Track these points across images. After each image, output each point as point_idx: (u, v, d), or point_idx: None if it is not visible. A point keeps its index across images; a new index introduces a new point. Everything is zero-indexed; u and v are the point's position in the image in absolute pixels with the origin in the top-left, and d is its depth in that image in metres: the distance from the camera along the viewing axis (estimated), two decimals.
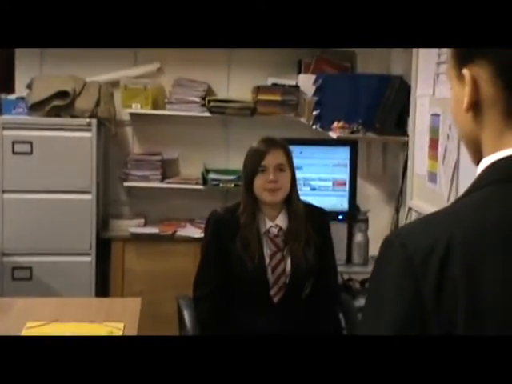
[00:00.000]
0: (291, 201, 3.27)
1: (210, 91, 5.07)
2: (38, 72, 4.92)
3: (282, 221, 3.27)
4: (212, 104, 4.92)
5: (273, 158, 3.23)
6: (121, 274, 4.80)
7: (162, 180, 4.98)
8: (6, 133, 4.53)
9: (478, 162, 1.31)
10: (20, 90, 4.83)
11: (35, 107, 4.58)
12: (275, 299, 3.23)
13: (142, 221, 5.02)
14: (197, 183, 4.98)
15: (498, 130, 1.26)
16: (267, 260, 3.24)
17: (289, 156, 3.29)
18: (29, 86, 4.68)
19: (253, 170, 3.25)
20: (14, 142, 4.52)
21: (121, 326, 3.07)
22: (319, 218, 3.35)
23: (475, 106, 1.26)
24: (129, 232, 4.84)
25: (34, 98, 4.58)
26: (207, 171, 4.99)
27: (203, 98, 4.96)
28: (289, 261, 3.23)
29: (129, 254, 4.81)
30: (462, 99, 1.27)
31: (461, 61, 1.29)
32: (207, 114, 4.94)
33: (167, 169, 5.07)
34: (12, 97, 4.77)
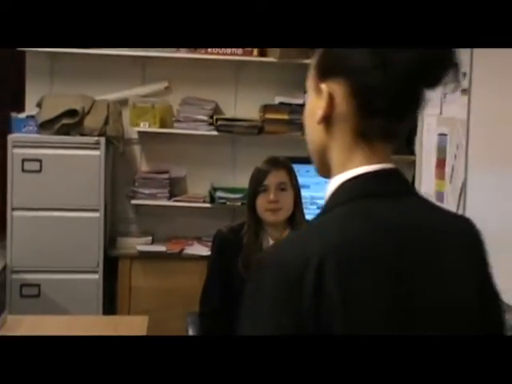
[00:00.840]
0: (295, 220, 3.26)
1: (217, 110, 5.10)
2: (47, 90, 4.96)
3: None
4: (219, 123, 4.95)
5: (274, 178, 3.24)
6: (128, 292, 4.81)
7: (170, 198, 5.01)
8: (16, 151, 4.57)
9: (324, 174, 1.41)
10: (30, 108, 4.87)
11: (45, 125, 4.62)
12: None
13: (150, 239, 5.04)
14: (204, 201, 5.00)
15: (347, 147, 1.33)
16: None
17: (292, 175, 3.30)
18: (39, 105, 4.72)
19: (255, 190, 3.27)
20: (23, 160, 4.56)
21: None
22: None
23: (327, 120, 1.32)
24: (136, 250, 4.86)
25: (44, 117, 4.61)
26: (214, 189, 5.01)
27: (211, 117, 4.99)
28: None
29: (136, 272, 4.83)
30: (315, 111, 1.33)
31: (321, 74, 1.35)
32: (215, 133, 4.97)
33: (175, 187, 5.09)
34: (22, 115, 4.80)
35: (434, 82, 1.31)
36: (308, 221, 3.36)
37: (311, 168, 4.34)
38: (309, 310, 1.20)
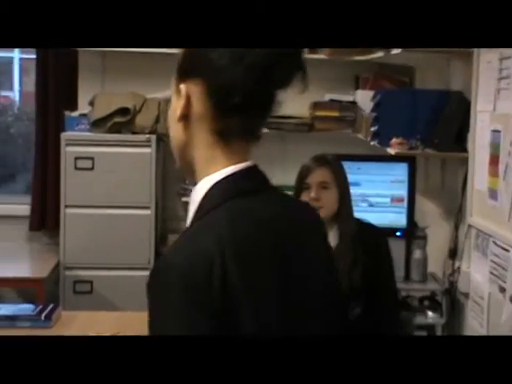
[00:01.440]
0: (340, 219, 3.25)
1: None
2: (99, 89, 5.00)
3: (331, 240, 3.25)
4: (269, 120, 4.93)
5: (316, 176, 3.25)
6: None
7: None
8: (69, 149, 4.63)
9: (187, 173, 1.48)
10: (82, 107, 4.92)
11: (97, 124, 4.67)
12: None
13: None
14: None
15: (207, 146, 1.41)
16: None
17: (336, 174, 3.28)
18: (91, 103, 4.77)
19: (298, 188, 3.30)
20: (76, 158, 4.61)
21: None
22: (374, 237, 3.31)
23: (186, 119, 1.40)
24: None
25: (96, 115, 4.66)
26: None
27: None
28: None
29: None
30: (176, 110, 1.41)
31: (181, 75, 1.42)
32: (264, 130, 4.94)
33: None
34: (75, 114, 4.86)
35: (284, 83, 1.43)
36: (356, 218, 3.35)
37: (362, 165, 4.35)
38: (219, 304, 1.28)
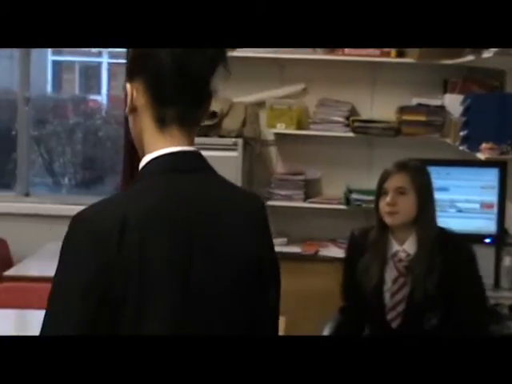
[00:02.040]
0: (418, 226, 3.19)
1: (353, 111, 5.07)
2: None
3: (410, 246, 3.21)
4: (356, 124, 4.92)
5: (394, 181, 3.20)
6: None
7: (305, 199, 5.02)
8: None
9: (142, 157, 1.66)
10: None
11: None
12: (393, 324, 3.20)
13: (285, 240, 5.06)
14: (339, 203, 4.98)
15: (151, 133, 1.64)
16: (388, 284, 3.21)
17: (415, 180, 3.21)
18: None
19: (377, 192, 3.26)
20: None
21: None
22: (455, 246, 3.22)
23: (135, 111, 1.65)
24: None
25: None
26: (350, 191, 4.98)
27: (347, 118, 4.97)
28: (409, 288, 3.18)
29: None
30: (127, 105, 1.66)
31: (128, 76, 1.67)
32: (351, 134, 4.95)
33: (310, 188, 5.10)
34: None
35: (207, 75, 1.64)
36: (439, 226, 3.27)
37: (451, 170, 4.27)
38: (113, 263, 1.49)
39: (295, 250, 4.90)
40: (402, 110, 4.92)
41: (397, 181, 3.20)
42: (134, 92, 1.64)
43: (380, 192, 3.24)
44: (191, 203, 1.59)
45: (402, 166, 3.25)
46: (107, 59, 9.57)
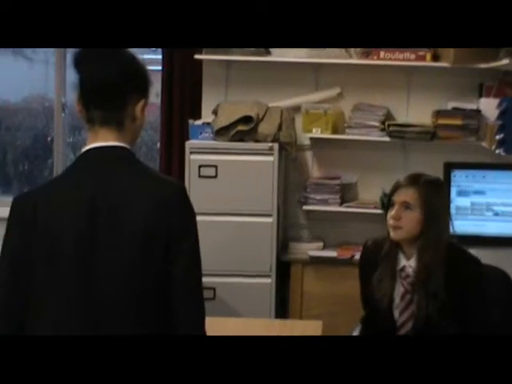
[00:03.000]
0: (422, 245, 3.11)
1: (389, 116, 5.07)
2: (223, 98, 5.09)
3: (412, 263, 3.15)
4: (391, 128, 4.92)
5: (401, 195, 3.15)
6: (299, 297, 4.86)
7: (341, 204, 5.02)
8: (193, 157, 4.72)
9: None
10: (206, 115, 5.01)
11: (220, 132, 4.74)
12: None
13: (321, 244, 5.07)
14: (375, 207, 4.98)
15: (87, 131, 2.08)
16: (397, 300, 3.16)
17: (424, 196, 3.11)
18: (214, 112, 4.85)
19: (387, 204, 3.24)
20: (200, 166, 4.69)
21: None
22: (463, 268, 3.11)
23: (80, 113, 2.11)
24: (308, 255, 4.90)
25: (220, 124, 4.74)
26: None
27: (382, 123, 4.97)
28: (414, 306, 3.12)
29: (308, 277, 4.87)
30: None
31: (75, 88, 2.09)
32: (386, 139, 4.95)
33: (346, 193, 5.10)
34: (199, 122, 4.95)
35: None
36: (451, 245, 3.16)
37: (487, 174, 4.27)
38: (31, 236, 1.99)
39: (331, 255, 4.91)
40: (438, 114, 4.91)
41: (404, 195, 3.14)
42: (77, 101, 2.09)
43: (389, 204, 3.21)
44: (97, 187, 1.99)
45: (412, 181, 3.18)
46: None
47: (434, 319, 3.04)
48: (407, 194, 3.14)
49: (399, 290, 3.16)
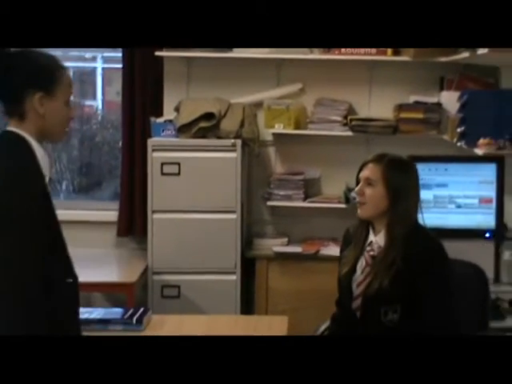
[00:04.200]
0: (389, 219, 3.14)
1: (351, 110, 5.08)
2: (184, 95, 5.07)
3: (381, 238, 3.18)
4: (354, 123, 4.93)
5: (365, 172, 3.19)
6: (265, 293, 4.86)
7: (305, 199, 5.02)
8: (156, 154, 4.69)
9: None
10: (168, 112, 4.99)
11: (183, 129, 4.72)
12: (357, 314, 3.18)
13: (286, 240, 5.07)
14: (339, 202, 4.99)
15: None
16: (358, 272, 3.19)
17: (386, 173, 3.14)
18: (176, 109, 4.83)
19: (356, 182, 3.27)
20: (162, 164, 4.67)
21: None
22: (424, 247, 3.12)
23: None
24: (272, 251, 4.90)
25: (182, 121, 4.72)
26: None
27: (345, 117, 4.98)
28: (368, 280, 3.15)
29: (273, 273, 4.87)
30: None
31: None
32: (349, 133, 4.96)
33: (309, 188, 5.11)
34: (160, 120, 4.93)
35: (21, 88, 2.32)
36: (417, 224, 3.19)
37: (449, 166, 4.27)
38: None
39: (296, 250, 4.91)
40: (400, 107, 4.94)
41: (367, 171, 3.18)
42: None
43: (357, 183, 3.25)
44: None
45: (376, 158, 3.22)
46: (101, 64, 9.56)
47: (384, 289, 3.06)
48: (370, 171, 3.17)
49: (362, 264, 3.19)
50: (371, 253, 3.18)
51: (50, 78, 2.35)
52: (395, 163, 3.22)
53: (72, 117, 2.47)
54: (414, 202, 3.19)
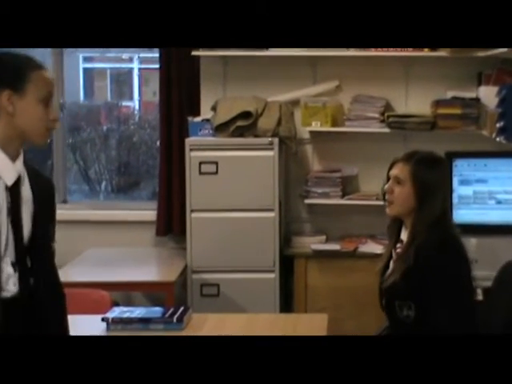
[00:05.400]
0: (414, 218, 3.14)
1: (388, 107, 5.06)
2: (221, 94, 5.08)
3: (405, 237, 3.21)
4: (391, 119, 4.91)
5: (394, 170, 3.21)
6: (304, 291, 4.85)
7: (342, 196, 5.01)
8: (193, 154, 4.71)
9: None
10: (205, 112, 5.00)
11: (220, 128, 4.73)
12: (385, 310, 3.24)
13: (324, 237, 5.07)
14: (377, 199, 4.96)
15: None
16: (389, 270, 3.23)
17: (414, 171, 3.14)
18: (213, 108, 4.84)
19: (386, 180, 3.27)
20: (200, 163, 4.68)
21: None
22: (435, 244, 3.09)
23: None
24: (311, 249, 4.90)
25: (219, 120, 4.73)
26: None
27: (382, 114, 4.96)
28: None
29: (311, 271, 4.86)
30: None
31: None
32: (386, 130, 4.94)
33: (347, 185, 5.10)
34: (198, 119, 4.94)
35: None
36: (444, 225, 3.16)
37: (488, 162, 4.24)
38: None
39: (334, 248, 4.90)
40: (437, 103, 4.90)
41: (396, 170, 3.20)
42: None
43: (387, 179, 3.25)
44: None
45: (406, 157, 3.23)
46: (138, 65, 9.63)
47: (397, 284, 3.10)
48: (399, 169, 3.19)
49: (392, 260, 3.23)
50: (398, 250, 3.21)
51: (19, 76, 2.33)
52: (424, 162, 3.21)
53: (54, 118, 2.42)
54: (441, 200, 3.18)
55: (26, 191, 2.41)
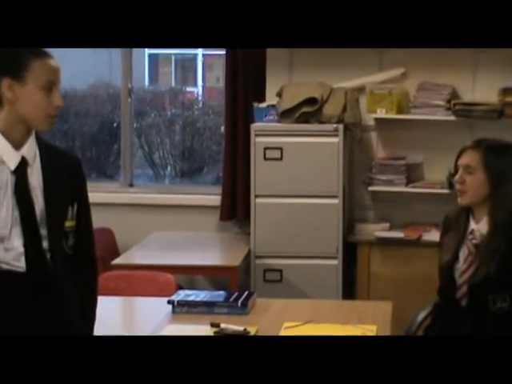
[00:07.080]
0: (491, 206, 3.10)
1: (454, 94, 5.01)
2: (287, 80, 5.09)
3: (484, 225, 3.13)
4: (457, 107, 4.86)
5: (464, 159, 3.15)
6: (367, 278, 4.85)
7: (407, 184, 4.99)
8: (258, 139, 4.74)
9: None
10: (270, 98, 5.02)
11: (285, 114, 4.75)
12: (462, 302, 3.15)
13: (387, 225, 5.05)
14: (442, 187, 4.93)
15: None
16: (460, 261, 3.16)
17: (486, 159, 3.10)
18: (279, 94, 4.86)
19: (454, 170, 3.22)
20: (265, 149, 4.71)
21: (373, 328, 3.08)
22: None
23: None
24: (374, 236, 4.89)
25: (284, 106, 4.74)
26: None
27: (448, 102, 4.92)
28: (474, 268, 3.12)
29: (374, 258, 4.86)
30: None
31: None
32: (452, 118, 4.89)
33: (412, 173, 5.07)
34: (263, 105, 4.96)
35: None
36: None
37: None
38: None
39: (398, 235, 4.89)
40: (505, 91, 4.84)
41: (466, 158, 3.14)
42: None
43: (455, 170, 3.20)
44: None
45: (476, 144, 3.17)
46: (202, 51, 9.68)
47: (492, 277, 3.04)
48: (469, 157, 3.14)
49: (464, 252, 3.16)
50: (474, 241, 3.15)
51: (19, 63, 2.34)
52: (494, 148, 3.18)
53: (58, 105, 2.40)
54: None
55: (36, 173, 2.42)
